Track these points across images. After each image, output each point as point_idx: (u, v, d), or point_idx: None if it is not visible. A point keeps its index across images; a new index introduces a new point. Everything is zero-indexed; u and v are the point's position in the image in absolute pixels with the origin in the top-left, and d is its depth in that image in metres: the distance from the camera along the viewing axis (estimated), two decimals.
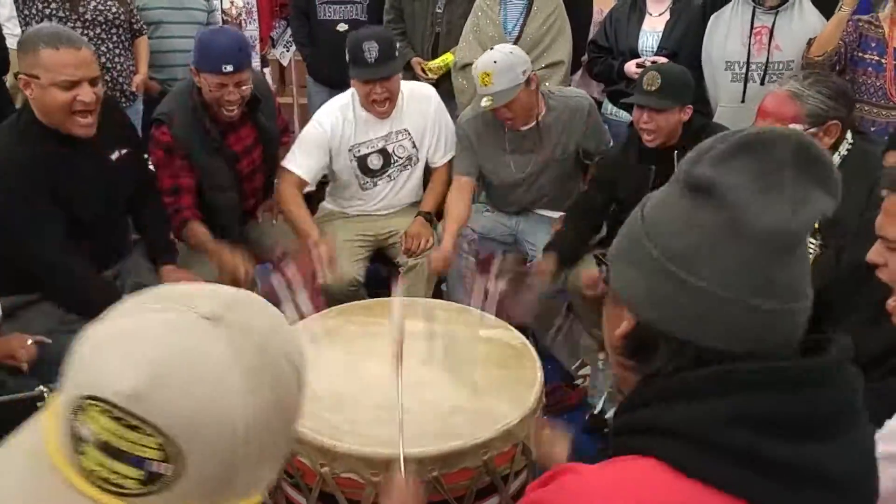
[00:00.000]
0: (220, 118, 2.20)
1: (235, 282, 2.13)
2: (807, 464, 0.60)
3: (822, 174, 0.64)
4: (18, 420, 0.60)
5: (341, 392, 1.44)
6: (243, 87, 2.15)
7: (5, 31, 3.01)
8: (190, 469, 0.53)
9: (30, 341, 1.60)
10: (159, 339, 0.55)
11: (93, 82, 1.78)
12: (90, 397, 0.53)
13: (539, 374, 1.47)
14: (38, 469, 0.55)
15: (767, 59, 2.40)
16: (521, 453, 1.37)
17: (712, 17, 2.50)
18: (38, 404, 0.84)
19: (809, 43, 2.34)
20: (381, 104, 2.33)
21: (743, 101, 2.42)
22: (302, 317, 1.68)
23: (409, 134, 2.45)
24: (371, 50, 2.21)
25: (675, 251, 0.65)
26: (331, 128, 2.36)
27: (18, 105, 2.89)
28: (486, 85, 2.21)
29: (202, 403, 0.54)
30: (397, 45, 2.41)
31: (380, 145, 2.43)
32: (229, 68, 2.08)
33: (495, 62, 2.21)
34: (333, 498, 1.28)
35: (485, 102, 2.23)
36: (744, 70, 2.43)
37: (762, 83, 2.39)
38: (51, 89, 1.73)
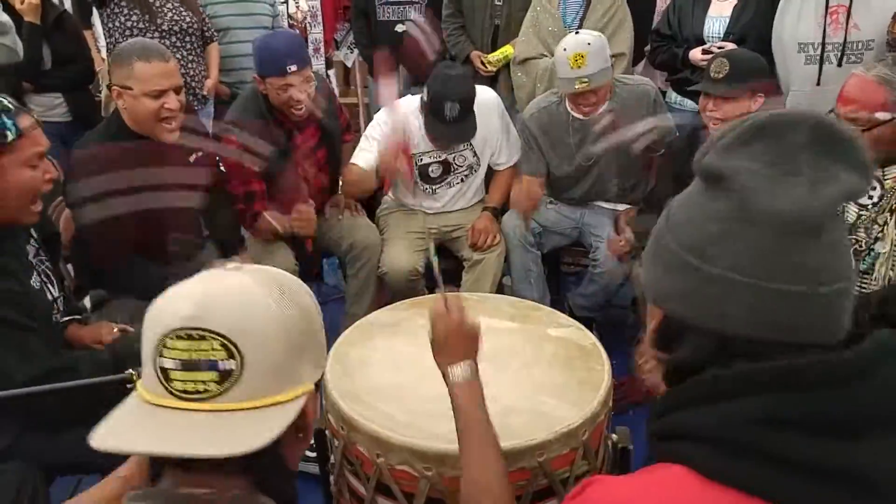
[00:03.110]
0: (286, 120, 2.27)
1: (307, 222, 2.32)
2: (841, 465, 0.57)
3: (845, 153, 0.61)
4: (110, 400, 0.75)
5: (401, 384, 1.45)
6: (310, 84, 2.21)
7: (99, 43, 3.23)
8: (249, 362, 0.70)
9: (115, 329, 1.71)
10: (198, 282, 0.75)
11: (177, 91, 1.92)
12: (165, 332, 0.70)
13: (606, 378, 1.42)
14: (141, 413, 0.71)
15: (845, 38, 2.27)
16: (583, 457, 1.33)
17: None
18: (128, 386, 0.96)
19: (894, 18, 2.19)
20: (441, 145, 2.35)
21: (818, 84, 2.30)
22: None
23: (471, 145, 2.44)
24: (453, 110, 2.20)
25: (691, 241, 0.66)
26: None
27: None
28: (578, 67, 2.15)
29: (244, 311, 0.72)
30: (475, 94, 2.33)
31: (441, 157, 2.43)
32: (293, 67, 2.14)
33: (589, 44, 2.16)
34: (390, 489, 1.30)
35: (578, 85, 2.17)
36: (818, 51, 2.30)
37: (839, 64, 2.26)
38: (142, 98, 1.87)
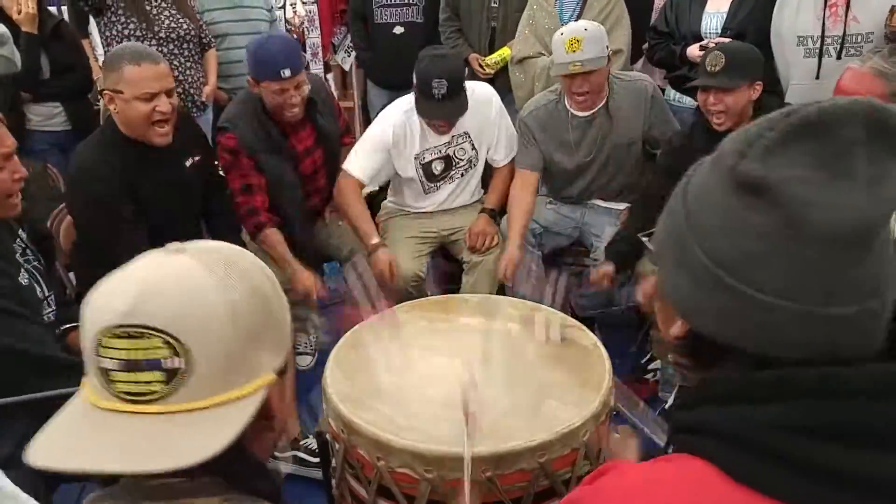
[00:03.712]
0: (281, 121, 2.27)
1: (307, 296, 2.20)
2: (870, 475, 0.54)
3: None
4: None
5: (403, 387, 1.44)
6: (303, 89, 2.21)
7: (97, 52, 3.23)
8: (197, 358, 0.64)
9: None
10: (136, 270, 0.67)
11: (169, 93, 1.92)
12: (100, 331, 0.64)
13: (608, 378, 1.41)
14: (85, 419, 0.65)
15: (844, 31, 2.25)
16: (584, 457, 1.32)
17: None
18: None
19: (892, 10, 2.18)
20: (441, 127, 2.34)
21: (818, 78, 2.28)
22: (376, 310, 1.70)
23: (469, 136, 2.44)
24: (441, 87, 2.19)
25: (725, 258, 0.58)
26: (393, 132, 2.36)
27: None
28: (573, 51, 2.15)
29: (185, 301, 0.65)
30: (465, 74, 2.35)
31: (443, 151, 2.43)
32: (287, 73, 2.14)
33: (586, 30, 2.17)
34: (391, 492, 1.29)
35: (571, 68, 2.17)
36: (818, 44, 2.29)
37: (839, 57, 2.25)
38: (133, 102, 1.87)
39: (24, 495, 0.98)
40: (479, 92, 2.40)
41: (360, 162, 2.39)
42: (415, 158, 2.41)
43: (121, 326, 0.63)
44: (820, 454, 0.55)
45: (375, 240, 2.33)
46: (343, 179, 2.42)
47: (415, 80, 2.25)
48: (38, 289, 1.58)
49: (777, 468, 0.56)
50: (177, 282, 0.66)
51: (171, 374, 0.64)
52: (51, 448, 0.64)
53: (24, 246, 1.58)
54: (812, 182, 0.54)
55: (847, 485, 0.54)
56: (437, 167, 2.46)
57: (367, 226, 2.36)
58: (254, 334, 0.68)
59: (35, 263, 1.60)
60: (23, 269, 1.53)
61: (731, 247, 0.58)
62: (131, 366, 0.63)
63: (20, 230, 1.58)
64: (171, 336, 0.63)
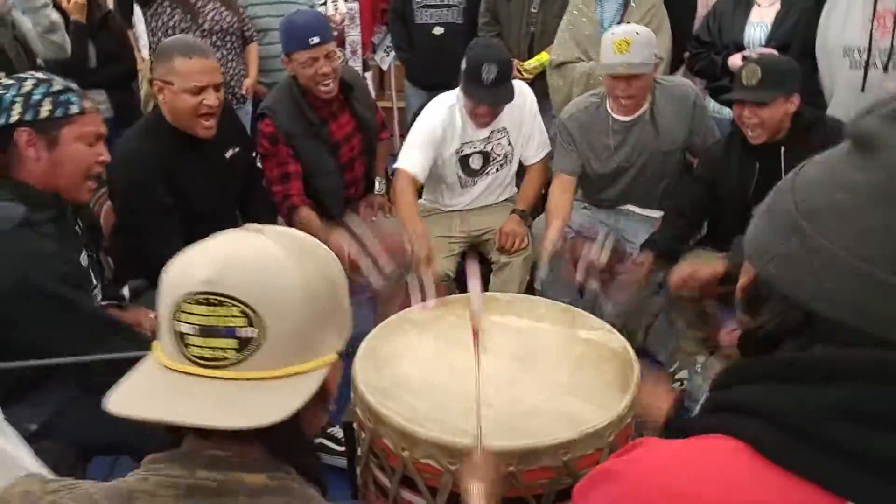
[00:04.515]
0: (319, 105, 2.29)
1: (340, 261, 2.21)
2: None
3: None
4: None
5: (430, 379, 1.45)
6: (334, 59, 2.24)
7: (140, 42, 3.31)
8: (270, 330, 0.67)
9: (152, 314, 1.74)
10: (219, 242, 0.72)
11: (217, 88, 1.96)
12: (182, 296, 0.67)
13: (635, 381, 1.41)
14: (158, 377, 0.69)
15: (892, 43, 2.20)
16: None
17: (829, 0, 2.33)
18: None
19: None
20: (483, 118, 2.35)
21: (863, 90, 2.24)
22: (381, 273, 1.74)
23: (507, 132, 2.45)
24: (490, 72, 2.19)
25: (812, 206, 0.59)
26: (441, 127, 2.37)
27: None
28: (622, 53, 2.15)
29: (264, 276, 0.69)
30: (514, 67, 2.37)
31: (481, 147, 2.44)
32: (315, 40, 2.18)
33: (637, 33, 2.17)
34: (414, 482, 1.30)
35: (619, 69, 2.17)
36: (864, 56, 2.24)
37: (885, 70, 2.20)
38: (182, 94, 1.91)
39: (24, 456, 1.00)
40: (516, 88, 2.40)
41: (414, 157, 2.35)
42: (455, 153, 2.42)
43: (203, 294, 0.66)
44: (863, 440, 0.54)
45: (421, 229, 2.27)
46: (398, 177, 2.38)
47: (464, 66, 2.27)
48: (92, 276, 1.62)
49: (817, 452, 0.55)
50: (258, 258, 0.69)
51: (245, 343, 0.67)
52: (129, 398, 0.67)
53: (80, 232, 1.63)
54: None
55: (890, 472, 0.53)
56: (476, 162, 2.47)
57: (415, 223, 2.28)
58: (322, 315, 0.72)
59: (89, 252, 1.65)
60: (84, 250, 1.59)
61: (821, 195, 0.59)
62: (208, 331, 0.67)
63: (77, 218, 1.63)
64: (249, 307, 0.66)
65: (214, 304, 0.66)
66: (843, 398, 0.55)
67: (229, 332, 0.67)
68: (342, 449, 1.90)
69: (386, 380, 1.44)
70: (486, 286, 2.47)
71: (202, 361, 0.67)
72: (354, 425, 1.47)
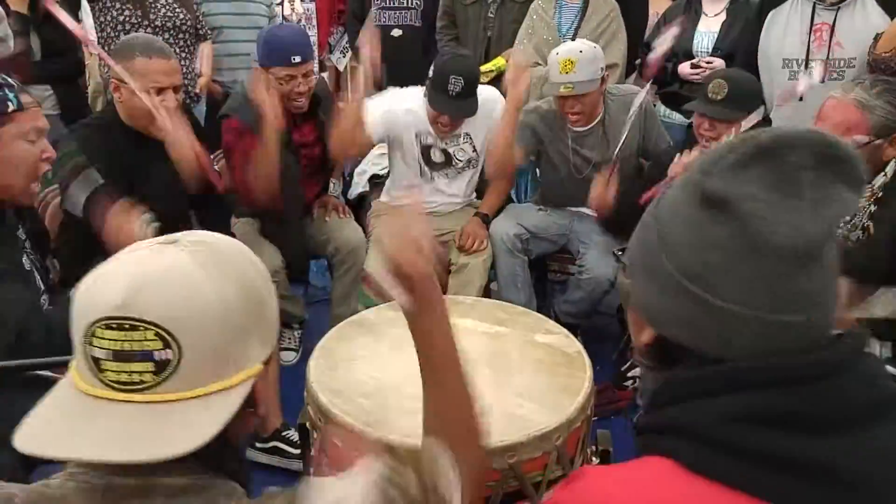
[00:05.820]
0: (286, 113, 2.28)
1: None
2: (816, 460, 0.59)
3: (846, 172, 0.61)
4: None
5: (383, 382, 1.45)
6: (310, 79, 2.23)
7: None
8: (187, 350, 0.65)
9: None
10: (130, 260, 0.68)
11: (176, 90, 1.92)
12: (93, 322, 0.65)
13: (587, 385, 1.43)
14: (74, 406, 0.66)
15: (828, 55, 2.32)
16: (557, 462, 1.33)
17: (770, 13, 2.44)
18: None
19: (876, 38, 2.24)
20: (444, 128, 2.37)
21: (801, 99, 2.33)
22: None
23: (471, 138, 2.47)
24: (456, 84, 2.22)
25: (692, 270, 0.64)
26: (401, 103, 2.38)
27: (99, 108, 3.09)
28: (567, 72, 2.20)
29: (177, 295, 0.66)
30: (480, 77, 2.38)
31: (441, 145, 2.46)
32: (297, 59, 2.16)
33: (581, 52, 2.21)
34: None
35: (562, 89, 2.21)
36: (802, 67, 2.35)
37: (822, 80, 2.31)
38: (140, 93, 1.84)
39: None
40: (485, 94, 2.43)
41: (372, 111, 2.29)
42: (416, 137, 2.43)
43: (114, 318, 0.64)
44: (764, 441, 0.59)
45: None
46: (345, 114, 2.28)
47: (431, 73, 2.29)
48: (38, 280, 1.57)
49: (727, 458, 0.60)
50: (170, 276, 0.66)
51: (162, 366, 0.64)
52: (40, 434, 0.64)
53: (23, 238, 1.58)
54: (766, 200, 0.60)
55: (790, 469, 0.58)
56: (437, 156, 2.49)
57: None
58: (243, 328, 0.69)
59: (33, 256, 1.60)
60: (25, 254, 1.53)
61: (694, 257, 0.64)
62: (123, 356, 0.64)
63: (20, 223, 1.57)
64: (164, 329, 0.64)
65: (128, 329, 0.64)
66: (742, 405, 0.61)
67: (145, 356, 0.64)
68: (298, 452, 1.89)
69: (339, 380, 1.44)
70: (444, 288, 2.49)
71: (118, 386, 0.65)
72: (307, 425, 1.47)
